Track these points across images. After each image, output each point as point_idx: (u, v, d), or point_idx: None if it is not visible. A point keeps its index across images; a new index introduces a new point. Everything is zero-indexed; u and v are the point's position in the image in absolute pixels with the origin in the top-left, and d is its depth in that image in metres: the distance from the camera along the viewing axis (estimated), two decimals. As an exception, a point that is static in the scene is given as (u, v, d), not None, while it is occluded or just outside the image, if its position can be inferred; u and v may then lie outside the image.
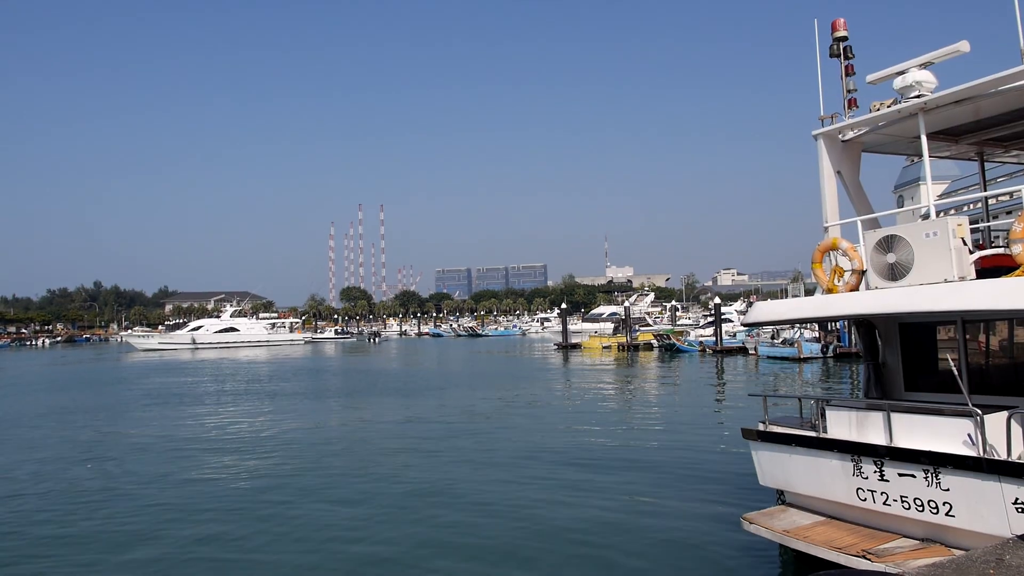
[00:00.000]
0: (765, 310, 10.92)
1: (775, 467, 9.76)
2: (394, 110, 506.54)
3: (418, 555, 10.38)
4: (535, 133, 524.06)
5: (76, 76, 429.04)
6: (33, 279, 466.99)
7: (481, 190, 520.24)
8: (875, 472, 8.30)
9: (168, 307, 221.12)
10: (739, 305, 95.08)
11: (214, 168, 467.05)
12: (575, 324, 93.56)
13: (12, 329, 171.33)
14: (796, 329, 50.55)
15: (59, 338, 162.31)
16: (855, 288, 9.16)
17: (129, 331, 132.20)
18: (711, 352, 57.16)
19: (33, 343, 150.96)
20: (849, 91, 10.24)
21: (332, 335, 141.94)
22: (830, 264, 9.65)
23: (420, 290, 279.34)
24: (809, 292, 11.72)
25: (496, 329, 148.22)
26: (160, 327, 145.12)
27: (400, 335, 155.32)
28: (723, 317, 63.10)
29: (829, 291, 9.45)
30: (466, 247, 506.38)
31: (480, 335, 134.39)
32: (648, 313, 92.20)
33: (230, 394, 36.07)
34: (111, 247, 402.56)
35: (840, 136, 10.35)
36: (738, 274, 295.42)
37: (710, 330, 65.00)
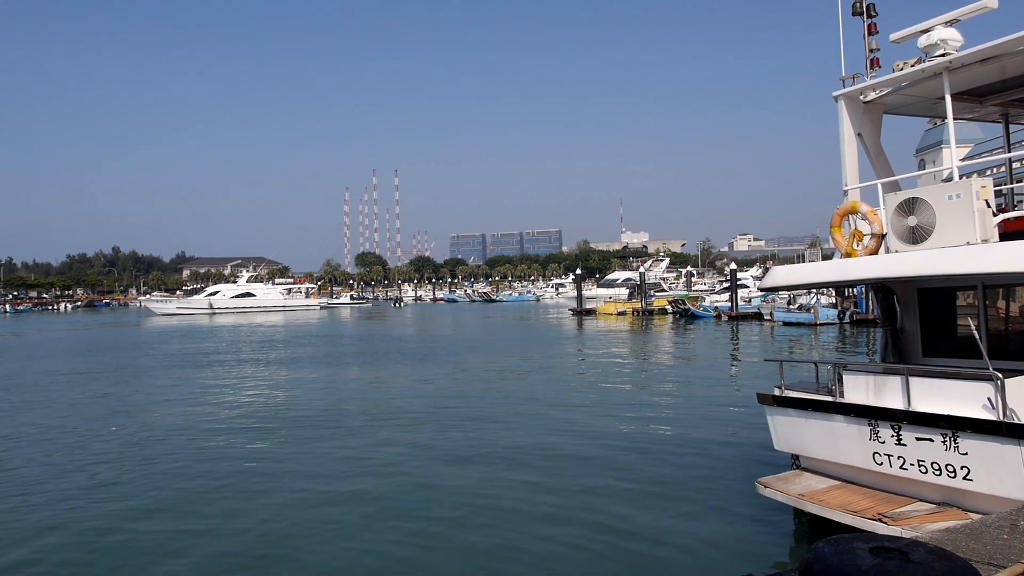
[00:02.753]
0: (782, 274, 10.83)
1: (791, 432, 9.76)
2: (408, 75, 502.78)
3: (448, 515, 10.53)
4: (550, 98, 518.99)
5: (94, 40, 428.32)
6: (52, 244, 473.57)
7: (496, 155, 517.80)
8: (892, 436, 8.27)
9: (185, 272, 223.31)
10: (755, 271, 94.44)
11: (230, 134, 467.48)
12: (590, 290, 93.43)
13: (34, 294, 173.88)
14: (813, 295, 50.22)
15: (79, 303, 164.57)
16: (874, 252, 9.04)
17: (148, 296, 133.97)
18: (726, 318, 56.97)
19: (55, 308, 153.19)
20: (871, 50, 9.98)
21: (348, 300, 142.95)
22: (849, 228, 9.51)
23: (435, 255, 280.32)
24: (827, 258, 11.60)
25: (511, 295, 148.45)
26: (178, 292, 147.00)
27: (415, 300, 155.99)
28: (739, 283, 62.73)
29: (847, 255, 9.32)
30: (481, 212, 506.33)
31: (495, 300, 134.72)
32: (663, 279, 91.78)
33: (249, 359, 36.47)
34: (129, 213, 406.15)
35: (861, 97, 10.12)
36: (755, 239, 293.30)
37: (725, 296, 64.72)
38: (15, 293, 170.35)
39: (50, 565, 9.11)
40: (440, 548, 9.33)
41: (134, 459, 14.63)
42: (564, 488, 11.72)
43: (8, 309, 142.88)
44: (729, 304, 59.34)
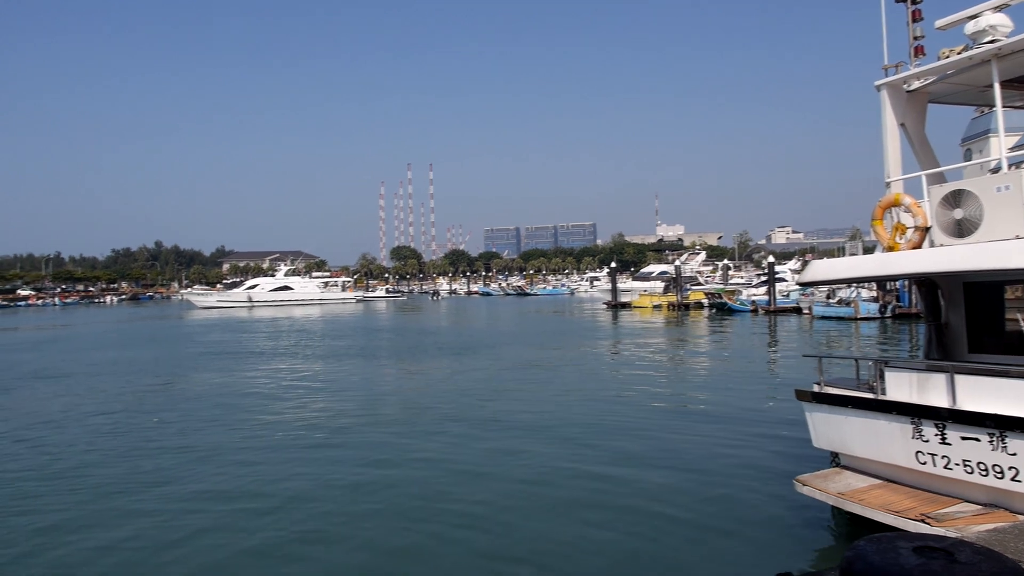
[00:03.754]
0: (822, 268, 10.63)
1: (830, 429, 9.59)
2: (443, 69, 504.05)
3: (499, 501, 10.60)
4: (586, 91, 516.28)
5: (139, 33, 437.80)
6: (98, 239, 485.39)
7: (530, 149, 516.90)
8: (936, 435, 8.08)
9: (225, 266, 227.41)
10: (793, 264, 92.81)
11: (267, 130, 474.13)
12: (625, 283, 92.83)
13: (81, 287, 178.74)
14: (853, 288, 49.25)
15: (124, 296, 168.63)
16: (918, 246, 8.82)
17: (189, 289, 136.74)
18: (764, 312, 56.19)
19: (101, 301, 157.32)
20: (916, 38, 9.72)
21: (383, 294, 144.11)
22: (891, 221, 9.29)
23: (469, 249, 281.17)
24: (868, 251, 11.30)
25: (545, 288, 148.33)
26: (218, 285, 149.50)
27: (450, 294, 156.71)
28: (777, 276, 61.80)
29: (890, 249, 9.11)
30: (515, 206, 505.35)
31: (529, 294, 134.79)
32: (699, 272, 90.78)
33: (293, 351, 37.02)
34: (171, 208, 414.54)
35: (905, 86, 9.86)
36: (793, 232, 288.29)
37: (763, 289, 63.81)
38: (63, 286, 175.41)
39: (121, 550, 9.38)
40: (480, 531, 9.40)
41: (176, 447, 14.98)
42: (599, 481, 11.69)
43: (57, 302, 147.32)
44: (766, 298, 58.50)
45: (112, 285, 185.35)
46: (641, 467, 12.52)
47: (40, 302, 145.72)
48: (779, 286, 60.70)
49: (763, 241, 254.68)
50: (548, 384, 23.00)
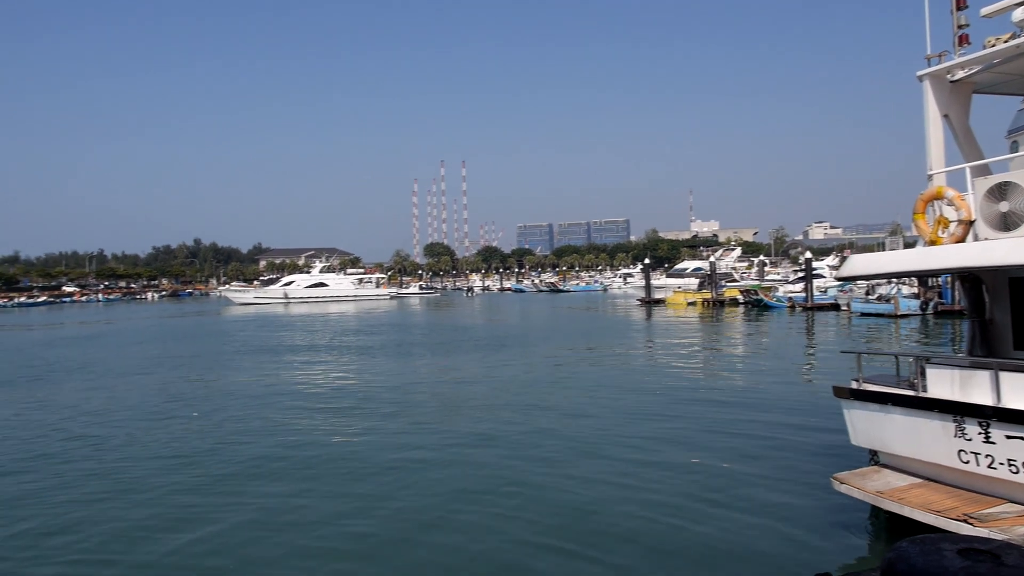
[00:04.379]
0: (861, 263, 10.41)
1: (869, 426, 9.41)
2: (477, 66, 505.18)
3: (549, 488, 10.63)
4: (618, 87, 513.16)
5: (173, 31, 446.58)
6: (139, 236, 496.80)
7: (563, 145, 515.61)
8: (980, 434, 7.88)
9: (262, 263, 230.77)
10: (831, 259, 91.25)
11: (301, 127, 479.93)
12: (658, 279, 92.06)
13: (123, 284, 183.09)
14: (893, 284, 48.21)
15: (164, 292, 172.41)
16: (961, 240, 8.59)
17: (227, 286, 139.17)
18: (801, 308, 55.34)
19: (142, 297, 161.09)
20: (960, 26, 9.46)
21: (417, 290, 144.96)
22: (934, 214, 9.07)
23: (502, 246, 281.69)
24: (909, 246, 11.03)
25: (578, 284, 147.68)
26: (255, 282, 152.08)
27: (483, 291, 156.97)
28: (814, 272, 60.78)
29: (932, 243, 8.89)
30: (548, 202, 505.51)
31: (561, 291, 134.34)
32: (734, 268, 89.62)
33: (328, 347, 37.47)
34: (209, 205, 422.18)
35: (949, 76, 9.61)
36: (831, 227, 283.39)
37: (800, 286, 62.79)
38: (106, 283, 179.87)
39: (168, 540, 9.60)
40: (519, 508, 9.43)
41: (210, 440, 15.27)
42: (635, 478, 11.63)
43: (101, 298, 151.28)
44: (804, 294, 57.58)
45: (153, 282, 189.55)
46: (675, 463, 12.44)
47: (84, 298, 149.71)
48: (816, 282, 59.69)
49: (800, 237, 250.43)
50: (580, 379, 22.93)
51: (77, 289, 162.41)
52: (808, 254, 64.13)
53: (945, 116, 9.64)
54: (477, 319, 61.34)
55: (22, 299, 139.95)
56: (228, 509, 10.74)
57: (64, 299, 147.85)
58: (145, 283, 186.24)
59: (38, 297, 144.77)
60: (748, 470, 11.95)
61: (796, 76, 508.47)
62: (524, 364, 27.63)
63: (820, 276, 66.18)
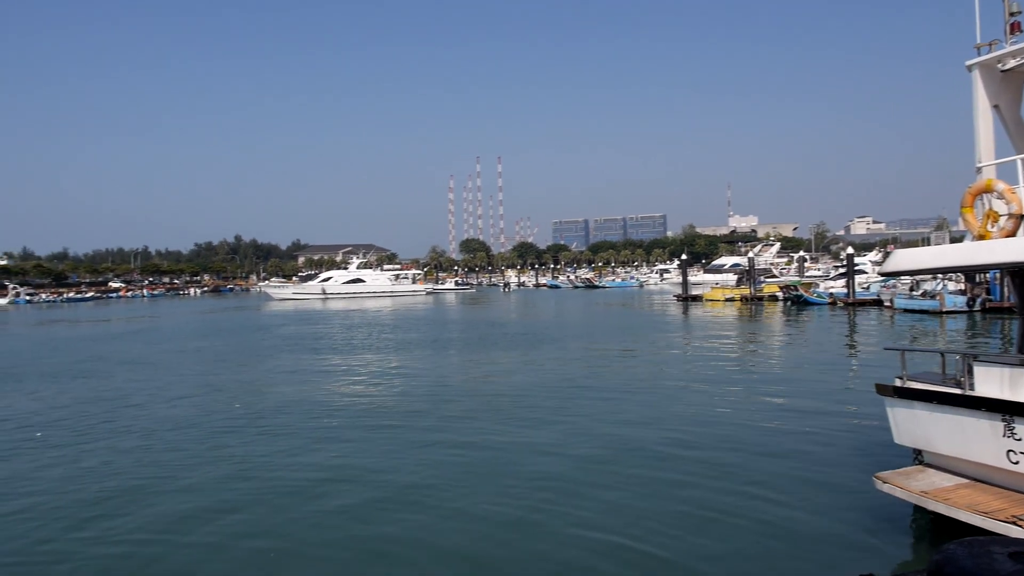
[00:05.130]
0: (906, 258, 10.16)
1: (913, 425, 9.20)
2: (512, 63, 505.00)
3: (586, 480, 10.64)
4: (653, 82, 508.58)
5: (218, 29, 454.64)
6: (182, 233, 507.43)
7: (599, 140, 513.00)
8: (1030, 434, 7.64)
9: (300, 259, 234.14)
10: (874, 255, 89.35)
11: (340, 125, 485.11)
12: (696, 275, 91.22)
13: (166, 280, 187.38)
14: (939, 280, 47.00)
15: (206, 288, 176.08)
16: (1012, 234, 8.34)
17: (266, 282, 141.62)
18: (842, 304, 54.30)
19: (185, 292, 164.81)
20: (1012, 14, 9.16)
21: (452, 286, 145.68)
22: (982, 208, 8.81)
23: (537, 241, 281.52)
24: (956, 241, 10.74)
25: (613, 280, 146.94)
26: (294, 278, 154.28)
27: (518, 286, 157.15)
28: (856, 268, 59.58)
29: (980, 237, 8.64)
30: (583, 198, 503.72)
31: (597, 286, 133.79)
32: (773, 264, 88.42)
33: (370, 343, 37.86)
34: (249, 202, 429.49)
35: (999, 65, 9.32)
36: (874, 222, 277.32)
37: (841, 281, 61.65)
38: (151, 279, 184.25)
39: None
40: (561, 504, 9.43)
41: (256, 431, 15.54)
42: (673, 475, 11.54)
43: (146, 294, 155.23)
44: (845, 290, 56.51)
45: (195, 278, 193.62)
46: (713, 461, 12.30)
47: (129, 294, 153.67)
48: (858, 278, 58.50)
49: (841, 232, 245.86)
50: (618, 375, 22.81)
51: (123, 285, 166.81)
52: (850, 249, 62.97)
53: (995, 107, 9.35)
54: (513, 315, 61.39)
55: (70, 294, 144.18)
56: (267, 492, 10.96)
57: (110, 295, 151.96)
58: (188, 279, 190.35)
59: (86, 293, 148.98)
60: (788, 468, 11.78)
61: (837, 69, 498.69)
62: (561, 362, 27.57)
63: (862, 272, 64.86)
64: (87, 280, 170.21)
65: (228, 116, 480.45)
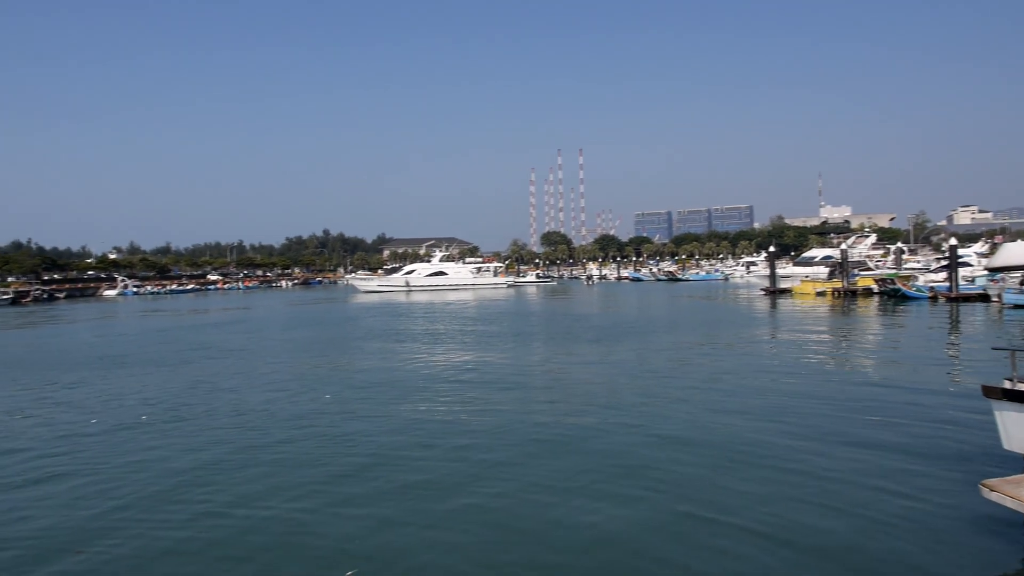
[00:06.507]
0: (1017, 251, 9.54)
1: (1024, 430, 8.63)
2: (596, 54, 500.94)
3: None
4: (739, 72, 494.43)
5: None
6: (274, 227, 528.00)
7: (682, 131, 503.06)
8: None
9: (385, 252, 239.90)
10: (980, 247, 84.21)
11: (423, 120, 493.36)
12: (784, 268, 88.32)
13: (259, 272, 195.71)
14: (1054, 274, 43.84)
15: (297, 280, 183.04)
16: None
17: (353, 275, 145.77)
18: (944, 299, 51.47)
19: (277, 285, 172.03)
20: None
21: (533, 279, 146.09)
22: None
23: (619, 234, 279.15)
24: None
25: (697, 273, 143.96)
26: (379, 271, 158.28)
27: (600, 279, 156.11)
28: (960, 260, 56.28)
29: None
30: (666, 189, 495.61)
31: (680, 279, 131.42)
32: (868, 256, 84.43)
33: (459, 335, 38.47)
34: (337, 198, 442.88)
35: None
36: (979, 211, 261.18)
37: (943, 275, 58.40)
38: (245, 271, 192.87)
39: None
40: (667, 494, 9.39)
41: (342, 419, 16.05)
42: (764, 478, 11.25)
43: (241, 286, 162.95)
44: (947, 284, 53.50)
45: (286, 271, 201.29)
46: (808, 464, 11.87)
47: (227, 286, 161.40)
48: (962, 271, 55.29)
49: (943, 222, 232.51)
50: (703, 369, 22.36)
51: (220, 277, 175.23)
52: (953, 240, 59.41)
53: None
54: (595, 307, 61.04)
55: (173, 287, 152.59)
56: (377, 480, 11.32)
57: (209, 287, 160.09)
58: (279, 272, 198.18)
59: (186, 285, 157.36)
60: (886, 473, 11.25)
61: (937, 47, 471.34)
62: (644, 357, 27.25)
63: (967, 264, 61.29)
64: (187, 273, 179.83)
65: (318, 113, 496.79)
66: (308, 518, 10.09)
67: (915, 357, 24.83)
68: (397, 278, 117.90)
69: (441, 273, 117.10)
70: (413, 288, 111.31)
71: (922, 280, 61.37)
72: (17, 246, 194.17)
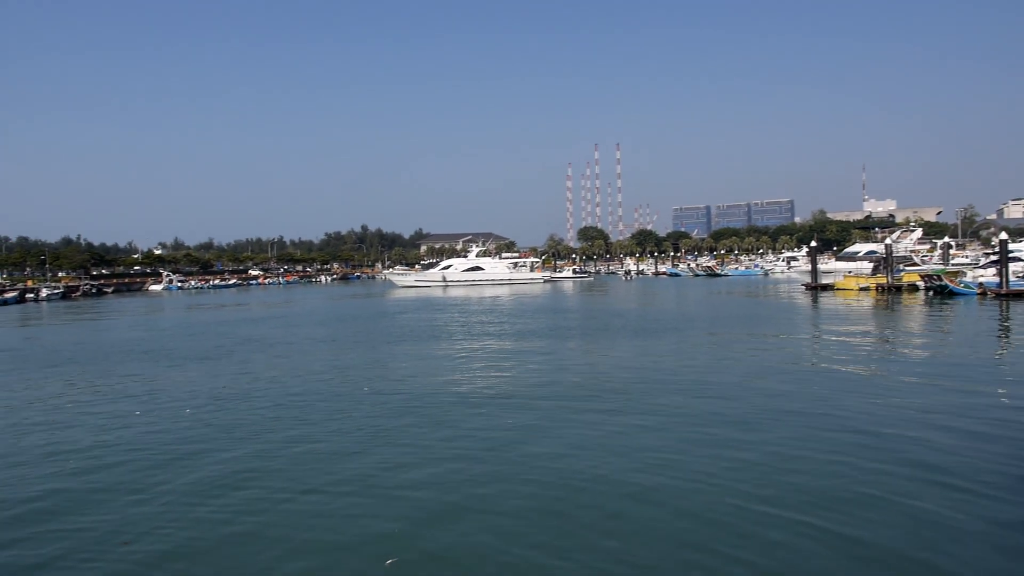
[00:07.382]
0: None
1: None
2: (631, 49, 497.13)
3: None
4: (775, 65, 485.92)
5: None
6: (313, 223, 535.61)
7: (721, 124, 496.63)
8: None
9: (422, 248, 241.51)
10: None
11: (460, 115, 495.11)
12: (826, 263, 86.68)
13: (299, 267, 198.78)
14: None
15: (335, 276, 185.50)
16: None
17: (390, 270, 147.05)
18: (993, 296, 50.04)
19: (316, 280, 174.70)
20: None
21: (570, 274, 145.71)
22: None
23: (657, 229, 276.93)
24: None
25: (736, 268, 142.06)
26: (416, 266, 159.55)
27: (638, 274, 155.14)
28: (1011, 255, 54.63)
29: None
30: (705, 184, 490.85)
31: (719, 275, 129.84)
32: (914, 251, 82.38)
33: (497, 330, 38.64)
34: (374, 193, 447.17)
35: None
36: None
37: (992, 270, 56.75)
38: (285, 267, 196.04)
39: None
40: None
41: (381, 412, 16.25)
42: (812, 475, 11.11)
43: (281, 281, 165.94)
44: (997, 280, 51.99)
45: (325, 266, 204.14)
46: (855, 469, 11.66)
47: (268, 281, 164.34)
48: (1013, 267, 53.70)
49: (993, 216, 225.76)
50: (744, 368, 22.14)
51: (261, 273, 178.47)
52: (1003, 235, 57.70)
53: None
54: (631, 304, 60.65)
55: (216, 281, 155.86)
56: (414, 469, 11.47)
57: (251, 282, 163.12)
58: (319, 267, 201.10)
59: (228, 280, 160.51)
60: (935, 478, 11.02)
61: (985, 32, 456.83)
62: (683, 354, 27.06)
63: (1018, 260, 59.51)
64: (229, 268, 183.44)
65: (358, 110, 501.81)
66: (353, 507, 10.27)
67: (964, 356, 24.16)
68: (434, 273, 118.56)
69: (478, 268, 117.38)
70: (450, 283, 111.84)
71: (971, 276, 59.74)
72: (67, 242, 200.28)
